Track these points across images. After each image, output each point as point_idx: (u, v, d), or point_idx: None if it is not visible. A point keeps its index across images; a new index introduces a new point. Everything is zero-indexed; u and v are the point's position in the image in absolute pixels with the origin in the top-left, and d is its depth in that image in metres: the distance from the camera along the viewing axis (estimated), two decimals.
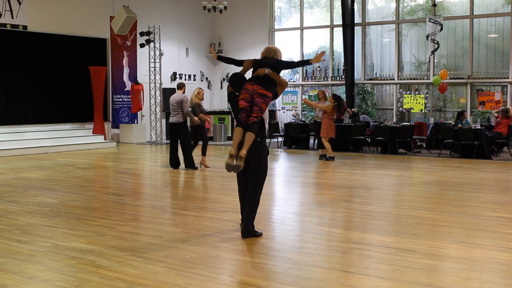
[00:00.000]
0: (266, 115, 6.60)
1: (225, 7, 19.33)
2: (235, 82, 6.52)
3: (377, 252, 5.90)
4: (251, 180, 6.44)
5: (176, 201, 9.42)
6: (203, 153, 12.89)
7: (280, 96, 22.29)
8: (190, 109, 12.52)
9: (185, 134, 12.60)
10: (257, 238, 6.39)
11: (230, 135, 20.99)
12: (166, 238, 6.52)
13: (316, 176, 12.40)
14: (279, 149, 17.79)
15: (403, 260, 5.54)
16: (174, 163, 12.78)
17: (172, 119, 12.58)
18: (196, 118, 12.57)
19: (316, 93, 15.67)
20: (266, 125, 6.62)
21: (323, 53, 6.72)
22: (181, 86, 12.77)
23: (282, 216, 7.94)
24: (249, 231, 6.43)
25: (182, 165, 12.74)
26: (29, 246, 6.15)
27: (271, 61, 6.57)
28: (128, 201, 9.03)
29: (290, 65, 6.85)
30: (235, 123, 6.41)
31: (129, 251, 5.89)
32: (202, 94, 12.92)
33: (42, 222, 7.38)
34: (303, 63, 6.96)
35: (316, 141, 15.87)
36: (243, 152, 6.12)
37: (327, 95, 15.37)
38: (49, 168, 13.08)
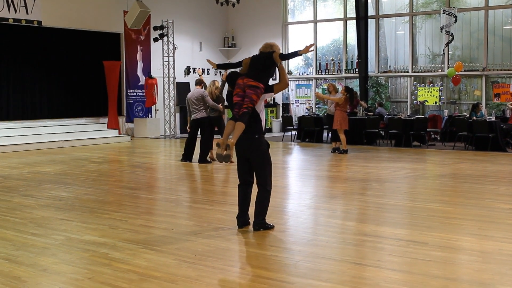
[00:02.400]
0: (262, 110, 6.55)
1: (238, 1, 19.33)
2: (231, 80, 6.57)
3: (389, 244, 5.90)
4: (259, 178, 6.42)
5: (189, 194, 9.46)
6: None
7: (294, 89, 22.15)
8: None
9: (210, 130, 12.62)
10: (269, 230, 6.41)
11: None
12: (178, 231, 6.56)
13: (329, 169, 12.38)
14: (292, 143, 17.78)
15: (415, 252, 5.53)
16: (187, 156, 12.83)
17: (196, 116, 12.52)
18: (221, 106, 12.57)
19: (327, 86, 15.59)
20: (263, 121, 6.54)
21: (312, 45, 6.72)
22: (199, 82, 12.79)
23: (295, 209, 7.95)
24: (259, 224, 6.44)
25: (194, 159, 12.78)
26: (43, 239, 6.22)
27: (267, 54, 6.53)
28: (142, 194, 9.09)
29: (282, 57, 6.58)
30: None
31: (141, 244, 5.94)
32: (218, 83, 12.93)
33: (56, 215, 7.45)
34: (293, 54, 6.80)
35: (329, 134, 15.81)
36: (231, 140, 6.20)
37: (338, 88, 15.34)
38: (63, 162, 13.18)
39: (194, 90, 12.73)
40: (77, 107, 18.88)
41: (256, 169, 6.43)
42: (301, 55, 6.69)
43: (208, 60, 7.68)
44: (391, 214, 7.45)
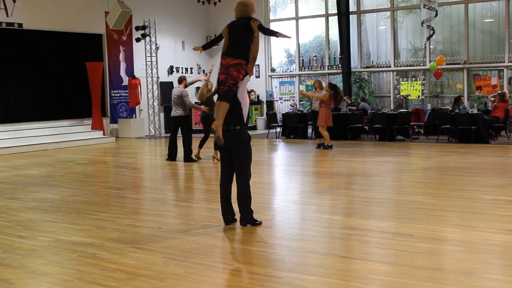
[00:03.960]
0: (246, 102, 6.51)
1: (219, 0, 19.34)
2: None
3: (375, 237, 5.97)
4: (238, 169, 6.45)
5: (176, 193, 9.48)
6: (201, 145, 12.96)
7: (277, 86, 22.07)
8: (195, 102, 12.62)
9: (188, 128, 12.68)
10: (256, 227, 6.45)
11: None
12: (165, 229, 6.58)
13: (315, 164, 12.45)
14: (277, 139, 17.84)
15: (400, 244, 5.60)
16: (172, 155, 12.85)
17: (175, 113, 12.60)
18: (203, 106, 12.57)
19: (312, 82, 15.67)
20: (245, 112, 6.48)
21: (289, 37, 6.65)
22: (181, 80, 12.79)
23: (281, 205, 8.01)
24: (247, 219, 6.48)
25: (179, 157, 12.80)
26: (30, 241, 6.22)
27: (245, 22, 6.42)
28: (128, 194, 9.10)
29: (261, 28, 6.42)
30: None
31: (129, 243, 5.96)
32: (212, 85, 12.86)
33: (43, 217, 7.44)
34: (272, 32, 6.66)
35: (313, 131, 15.88)
36: (216, 123, 6.22)
37: (323, 84, 15.42)
38: (49, 164, 13.14)
39: (176, 88, 12.76)
40: (61, 109, 18.79)
41: (236, 161, 6.43)
42: (278, 37, 6.56)
43: (194, 48, 7.52)
44: (377, 207, 7.53)
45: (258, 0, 22.61)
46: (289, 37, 6.66)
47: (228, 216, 6.58)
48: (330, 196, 8.50)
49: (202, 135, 13.00)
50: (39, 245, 6.02)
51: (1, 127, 16.93)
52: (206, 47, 7.38)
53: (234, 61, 6.33)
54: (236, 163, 6.45)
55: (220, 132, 6.21)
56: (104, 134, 19.08)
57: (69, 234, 6.45)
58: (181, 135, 12.67)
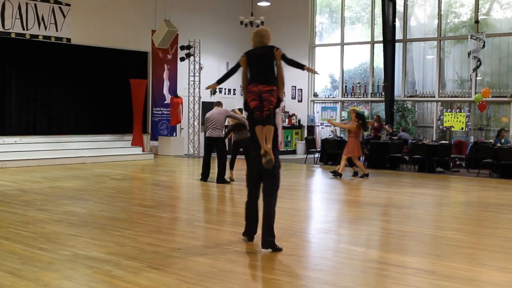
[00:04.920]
0: (280, 126, 6.64)
1: (262, 22, 19.43)
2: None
3: (395, 272, 5.78)
4: (266, 191, 6.54)
5: (202, 214, 9.43)
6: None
7: (319, 111, 21.92)
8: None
9: (223, 149, 12.74)
10: (277, 253, 6.34)
11: None
12: (185, 251, 6.53)
13: (349, 193, 12.27)
14: (315, 165, 17.68)
15: (421, 282, 5.42)
16: (205, 176, 12.89)
17: (211, 134, 12.67)
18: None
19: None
20: (280, 137, 6.66)
21: (316, 73, 7.03)
22: (219, 104, 13.04)
23: (307, 233, 7.88)
24: (269, 242, 6.42)
25: (212, 178, 12.82)
26: (50, 254, 6.25)
27: (267, 50, 6.55)
28: (155, 213, 9.08)
29: (285, 59, 6.58)
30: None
31: (146, 262, 5.92)
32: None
33: (67, 230, 7.49)
34: (297, 64, 6.67)
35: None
36: (268, 146, 6.34)
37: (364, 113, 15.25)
38: (84, 178, 13.30)
39: (216, 109, 12.86)
40: (103, 124, 19.10)
41: (267, 184, 6.54)
42: (303, 70, 6.76)
43: (208, 87, 7.54)
44: (402, 241, 7.32)
45: (304, 25, 22.65)
46: (317, 73, 6.97)
47: (252, 233, 6.78)
48: (357, 226, 8.32)
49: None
50: (57, 259, 6.04)
51: (43, 138, 17.28)
52: (221, 81, 7.19)
53: (267, 88, 6.45)
54: (267, 186, 6.54)
55: (272, 155, 6.32)
56: (143, 151, 19.26)
57: (89, 250, 6.46)
58: (217, 157, 12.73)
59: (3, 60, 16.73)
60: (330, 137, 19.14)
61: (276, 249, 6.42)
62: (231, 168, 12.97)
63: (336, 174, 14.14)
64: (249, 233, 6.84)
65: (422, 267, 5.92)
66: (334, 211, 9.98)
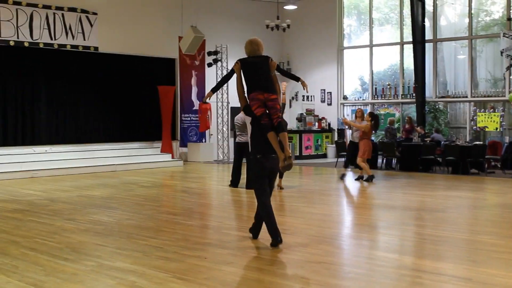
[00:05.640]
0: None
1: (288, 26, 19.24)
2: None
3: (428, 279, 5.54)
4: (271, 190, 7.11)
5: (230, 221, 9.28)
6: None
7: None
8: None
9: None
10: (305, 262, 6.16)
11: (298, 154, 20.78)
12: (211, 259, 6.39)
13: (379, 196, 11.95)
14: (346, 169, 17.37)
15: None
16: (234, 182, 12.72)
17: (240, 139, 12.55)
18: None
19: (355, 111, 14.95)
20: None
21: (306, 87, 7.38)
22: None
23: (336, 239, 7.65)
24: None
25: (241, 184, 12.66)
26: (74, 264, 6.15)
27: (263, 60, 6.88)
28: (182, 220, 8.96)
29: (279, 69, 7.12)
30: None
31: (171, 272, 5.78)
32: None
33: (93, 240, 7.40)
34: (291, 76, 7.43)
35: (347, 161, 14.90)
36: (289, 151, 6.72)
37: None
38: (113, 186, 13.27)
39: (240, 114, 12.66)
40: (132, 131, 19.12)
41: (270, 185, 7.09)
42: (297, 81, 7.34)
43: (205, 98, 7.74)
44: (436, 246, 7.04)
45: (332, 28, 22.41)
46: (307, 90, 7.51)
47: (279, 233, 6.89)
48: (388, 231, 8.08)
49: None
50: (81, 269, 5.94)
51: (73, 147, 17.38)
52: (216, 89, 7.56)
53: (273, 96, 6.75)
54: (270, 186, 7.06)
55: (291, 160, 6.70)
56: (172, 158, 19.23)
57: (114, 259, 6.35)
58: (246, 162, 12.54)
59: (33, 71, 16.85)
60: None
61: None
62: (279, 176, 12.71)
63: (367, 179, 13.85)
64: (276, 235, 6.87)
65: (457, 274, 5.67)
66: (366, 216, 9.74)
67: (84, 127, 18.06)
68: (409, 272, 5.81)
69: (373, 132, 14.46)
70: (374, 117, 14.13)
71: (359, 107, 19.23)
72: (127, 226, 8.36)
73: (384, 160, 17.47)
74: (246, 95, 6.95)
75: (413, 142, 17.10)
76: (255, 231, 7.30)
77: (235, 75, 6.99)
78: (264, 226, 7.09)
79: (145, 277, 5.64)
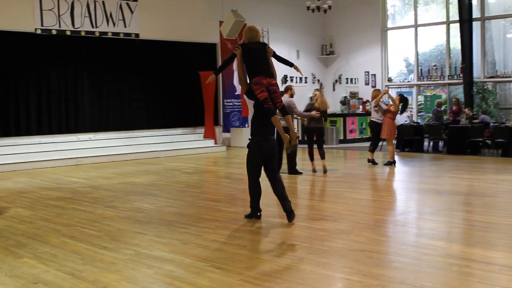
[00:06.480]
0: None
1: (329, 7, 18.86)
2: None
3: (479, 269, 5.26)
4: (272, 168, 7.48)
5: (271, 208, 9.07)
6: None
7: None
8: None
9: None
10: (347, 250, 5.96)
11: (342, 137, 20.47)
12: (251, 248, 6.25)
13: (426, 181, 11.56)
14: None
15: (508, 280, 4.90)
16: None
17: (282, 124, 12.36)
18: (313, 112, 12.33)
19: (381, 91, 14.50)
20: None
21: (299, 71, 7.87)
22: (287, 89, 12.43)
23: (380, 226, 7.40)
24: (290, 206, 7.40)
25: (283, 169, 12.48)
26: (113, 253, 6.09)
27: (262, 46, 7.38)
28: (223, 207, 8.85)
29: (275, 56, 7.53)
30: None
31: (209, 261, 5.66)
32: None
33: (132, 228, 7.34)
34: (285, 62, 7.75)
35: (373, 144, 14.17)
36: (295, 132, 7.32)
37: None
38: (156, 172, 13.26)
39: (283, 98, 12.41)
40: (174, 118, 19.10)
41: (273, 163, 7.48)
42: (291, 67, 7.77)
43: (208, 80, 7.78)
44: (485, 233, 6.73)
45: (375, 8, 21.92)
46: (301, 74, 8.45)
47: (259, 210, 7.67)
48: (435, 217, 7.77)
49: (305, 146, 12.80)
50: (119, 258, 5.87)
51: (116, 134, 17.45)
52: (219, 71, 8.24)
53: (274, 81, 7.28)
54: (273, 165, 7.48)
55: (297, 141, 7.37)
56: (215, 143, 19.15)
57: (152, 248, 6.26)
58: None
59: (75, 59, 16.94)
60: (406, 122, 18.41)
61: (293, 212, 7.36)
62: (311, 159, 12.58)
63: (388, 163, 13.51)
64: (258, 211, 7.60)
65: (509, 263, 5.38)
66: (411, 202, 9.45)
67: (127, 114, 18.11)
68: (457, 261, 5.54)
69: (399, 113, 14.11)
70: (404, 99, 13.82)
71: (403, 89, 18.80)
72: (167, 214, 8.29)
73: (431, 143, 17.01)
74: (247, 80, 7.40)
75: (460, 124, 16.59)
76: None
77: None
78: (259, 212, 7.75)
79: (182, 266, 5.53)
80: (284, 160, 12.48)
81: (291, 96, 12.27)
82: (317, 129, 12.58)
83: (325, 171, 12.23)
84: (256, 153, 7.34)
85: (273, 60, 7.55)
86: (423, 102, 21.62)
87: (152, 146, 17.27)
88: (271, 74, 7.26)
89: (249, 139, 7.50)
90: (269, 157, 7.38)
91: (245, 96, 7.67)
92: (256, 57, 7.25)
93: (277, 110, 7.32)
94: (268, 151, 7.31)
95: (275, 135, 7.59)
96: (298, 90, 21.05)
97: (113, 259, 5.85)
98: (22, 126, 15.99)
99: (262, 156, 7.32)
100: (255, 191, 7.55)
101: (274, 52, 7.49)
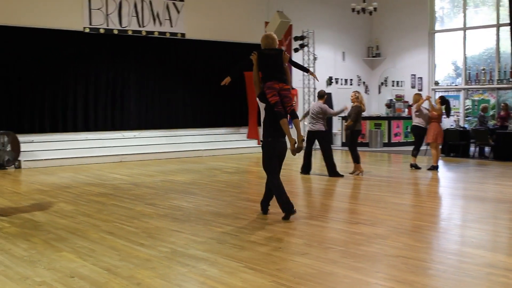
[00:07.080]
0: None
1: (375, 9, 18.66)
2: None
3: None
4: (279, 169, 7.89)
5: (309, 209, 9.04)
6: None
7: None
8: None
9: (327, 142, 12.62)
10: (383, 256, 5.89)
11: (386, 141, 20.24)
12: (286, 249, 6.23)
13: (472, 187, 11.31)
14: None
15: None
16: (306, 169, 12.76)
17: (313, 127, 12.50)
18: (344, 106, 12.79)
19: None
20: None
21: (315, 77, 9.49)
22: (322, 95, 12.65)
23: (418, 231, 7.27)
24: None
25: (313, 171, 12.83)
26: (149, 250, 6.15)
27: (278, 52, 7.70)
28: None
29: (291, 61, 8.12)
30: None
31: (243, 261, 5.67)
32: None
33: (170, 226, 7.42)
34: (302, 67, 8.64)
35: (415, 150, 13.95)
36: (301, 135, 7.54)
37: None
38: (197, 171, 13.36)
39: (316, 103, 12.62)
40: (218, 117, 19.21)
41: (280, 165, 7.90)
42: (307, 73, 8.62)
43: (223, 82, 8.40)
44: None
45: (423, 10, 21.60)
46: (317, 80, 9.86)
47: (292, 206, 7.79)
48: (477, 225, 7.60)
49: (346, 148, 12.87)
50: (155, 255, 5.93)
51: (159, 132, 17.64)
52: (235, 75, 8.48)
53: (287, 86, 7.60)
54: (280, 166, 7.88)
55: (302, 144, 7.59)
56: (258, 144, 19.15)
57: (188, 246, 6.30)
58: (323, 151, 12.50)
59: (122, 57, 17.20)
60: (451, 127, 18.07)
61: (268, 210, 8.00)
62: (357, 161, 12.52)
63: (431, 168, 13.29)
64: (290, 207, 7.76)
65: None
66: (452, 208, 9.27)
67: (171, 113, 18.29)
68: (497, 271, 5.41)
69: (447, 117, 14.08)
70: (445, 101, 13.68)
71: (450, 93, 18.46)
72: (205, 213, 8.34)
73: (477, 149, 16.67)
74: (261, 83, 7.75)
75: (508, 130, 16.20)
76: (265, 206, 8.19)
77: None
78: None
79: (216, 265, 5.55)
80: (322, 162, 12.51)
81: (325, 102, 12.51)
82: (360, 131, 12.80)
83: (360, 173, 12.50)
84: (270, 152, 7.72)
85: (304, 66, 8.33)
86: (470, 107, 21.20)
87: (195, 145, 17.42)
88: (285, 79, 7.60)
89: (261, 140, 7.93)
90: (281, 156, 7.80)
91: (257, 99, 7.84)
92: (271, 63, 7.63)
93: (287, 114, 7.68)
94: (278, 150, 7.71)
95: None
96: (343, 92, 21.02)
97: (149, 256, 5.91)
98: (69, 122, 16.32)
99: (276, 154, 7.71)
100: (279, 189, 7.82)
101: (290, 58, 7.99)
